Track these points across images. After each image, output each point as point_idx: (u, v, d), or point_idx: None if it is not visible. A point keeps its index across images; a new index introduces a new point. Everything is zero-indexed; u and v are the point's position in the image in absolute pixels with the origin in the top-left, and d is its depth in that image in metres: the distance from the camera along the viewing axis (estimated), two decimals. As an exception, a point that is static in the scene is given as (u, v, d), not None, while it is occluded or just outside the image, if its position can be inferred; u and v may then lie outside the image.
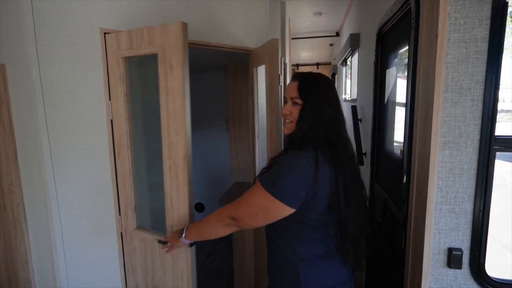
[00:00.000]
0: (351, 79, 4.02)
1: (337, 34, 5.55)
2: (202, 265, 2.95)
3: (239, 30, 2.02)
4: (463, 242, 0.92)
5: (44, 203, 1.38)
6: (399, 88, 1.78)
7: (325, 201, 0.86)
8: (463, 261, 0.92)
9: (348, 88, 4.35)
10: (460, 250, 0.92)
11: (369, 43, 2.63)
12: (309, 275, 0.92)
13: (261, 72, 2.00)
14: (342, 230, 0.88)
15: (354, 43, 3.10)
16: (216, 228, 0.99)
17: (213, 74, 3.52)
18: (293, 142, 0.94)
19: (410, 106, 1.34)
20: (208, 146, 3.71)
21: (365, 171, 2.54)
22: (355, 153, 1.02)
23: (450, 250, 0.93)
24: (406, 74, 1.53)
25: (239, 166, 3.29)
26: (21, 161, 1.41)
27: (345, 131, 0.98)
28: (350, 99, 3.95)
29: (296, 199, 0.85)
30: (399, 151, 1.76)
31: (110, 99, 1.40)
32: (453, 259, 0.91)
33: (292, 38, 5.48)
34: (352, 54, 3.74)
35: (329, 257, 0.93)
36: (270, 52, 1.76)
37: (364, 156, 2.52)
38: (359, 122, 2.77)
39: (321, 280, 0.93)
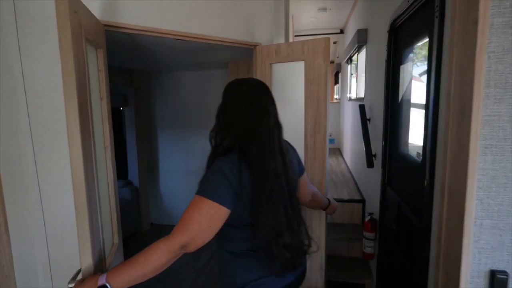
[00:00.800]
0: (357, 77, 3.88)
1: (341, 31, 5.41)
2: (201, 273, 2.82)
3: (242, 24, 1.89)
4: (509, 264, 0.79)
5: (27, 212, 1.25)
6: (417, 85, 1.65)
7: (246, 204, 0.91)
8: (508, 286, 0.78)
9: (354, 86, 4.21)
10: (505, 273, 0.78)
11: (378, 39, 2.49)
12: (243, 267, 0.98)
13: (280, 69, 1.88)
14: (255, 231, 0.93)
15: (361, 38, 2.96)
16: (162, 264, 0.86)
17: (214, 71, 3.39)
18: (218, 149, 0.98)
19: (433, 104, 1.21)
20: (209, 145, 3.58)
21: (375, 173, 2.40)
22: (288, 156, 1.00)
23: (492, 272, 0.79)
24: (425, 69, 1.40)
25: (241, 168, 3.15)
26: (2, 165, 1.28)
27: (267, 134, 0.94)
28: (356, 98, 3.81)
29: (231, 201, 0.89)
30: (415, 154, 1.63)
31: (101, 99, 1.27)
32: (496, 283, 0.78)
33: (295, 36, 5.34)
34: (358, 51, 3.61)
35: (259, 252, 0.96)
36: (320, 51, 1.73)
37: (374, 158, 2.38)
38: (368, 122, 2.63)
39: (255, 272, 0.97)
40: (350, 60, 4.52)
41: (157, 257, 0.84)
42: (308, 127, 1.79)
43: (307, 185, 1.29)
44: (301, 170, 1.20)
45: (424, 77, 1.59)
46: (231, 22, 1.83)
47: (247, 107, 0.95)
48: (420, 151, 1.58)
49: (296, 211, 0.99)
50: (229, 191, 0.88)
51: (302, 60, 1.77)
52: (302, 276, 1.12)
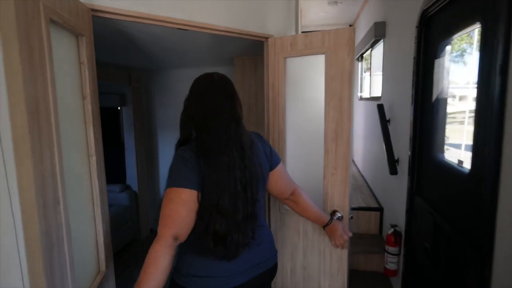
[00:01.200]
0: (370, 75, 3.64)
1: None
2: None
3: (252, 14, 1.66)
4: None
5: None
6: (459, 81, 1.42)
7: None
8: None
9: (366, 85, 3.97)
10: None
11: (400, 32, 2.26)
12: (192, 261, 0.98)
13: (295, 64, 1.66)
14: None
15: (379, 32, 2.72)
16: (170, 262, 0.89)
17: (218, 68, 3.15)
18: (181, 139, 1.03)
19: (497, 103, 0.97)
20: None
21: (396, 180, 2.17)
22: (251, 150, 1.02)
23: None
24: (475, 61, 1.17)
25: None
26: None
27: (221, 128, 0.96)
28: (370, 97, 3.58)
29: (196, 183, 0.92)
30: (457, 161, 1.40)
31: (84, 98, 1.04)
32: None
33: (302, 32, 5.10)
34: (372, 47, 3.37)
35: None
36: (343, 42, 1.51)
37: (396, 163, 2.14)
38: (388, 124, 2.39)
39: (202, 269, 0.97)
40: (361, 57, 4.28)
41: (162, 259, 0.87)
42: (328, 130, 1.56)
43: (284, 179, 1.23)
44: (274, 162, 1.17)
45: (467, 71, 1.36)
46: (239, 11, 1.60)
47: (201, 101, 1.00)
48: (463, 159, 1.35)
49: (247, 204, 0.99)
50: (193, 173, 0.93)
51: (322, 53, 1.54)
52: (258, 281, 1.07)
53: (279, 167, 1.18)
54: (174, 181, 0.93)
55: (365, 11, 3.84)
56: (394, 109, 2.37)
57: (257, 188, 1.03)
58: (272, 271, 1.13)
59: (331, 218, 1.33)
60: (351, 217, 1.59)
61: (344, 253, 1.60)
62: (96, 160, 1.07)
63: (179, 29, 1.45)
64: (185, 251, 1.01)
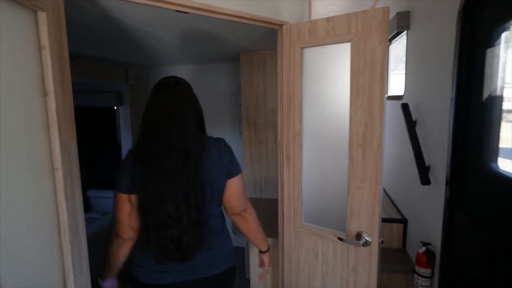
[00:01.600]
0: (388, 71, 3.36)
1: (363, 22, 4.87)
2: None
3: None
4: None
5: None
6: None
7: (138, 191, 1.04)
8: None
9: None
10: None
11: (431, 21, 1.98)
12: (137, 254, 1.10)
13: (314, 55, 1.39)
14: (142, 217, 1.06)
15: (402, 24, 2.44)
16: (115, 251, 1.08)
17: (221, 65, 2.91)
18: None
19: None
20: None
21: (431, 191, 1.89)
22: (199, 157, 1.02)
23: None
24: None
25: (255, 178, 2.67)
26: None
27: (166, 133, 0.98)
28: (387, 95, 3.29)
29: (127, 186, 1.02)
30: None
31: (46, 94, 0.79)
32: None
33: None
34: (391, 41, 3.08)
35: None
36: (374, 26, 1.22)
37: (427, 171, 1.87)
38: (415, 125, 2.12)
39: (136, 256, 1.10)
40: (376, 53, 3.98)
41: (110, 250, 1.09)
42: (354, 134, 1.30)
43: (239, 193, 1.17)
44: (233, 172, 1.14)
45: None
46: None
47: (151, 105, 1.03)
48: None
49: (190, 211, 1.00)
50: (128, 177, 1.00)
51: (348, 41, 1.27)
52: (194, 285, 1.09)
53: (236, 179, 1.15)
54: (116, 186, 1.02)
55: (382, 2, 3.56)
56: (422, 109, 2.09)
57: (203, 195, 1.03)
58: (214, 279, 1.12)
59: (268, 248, 1.34)
60: (382, 241, 1.32)
61: (372, 282, 1.34)
62: (64, 176, 0.81)
63: (178, 11, 1.20)
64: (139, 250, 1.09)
